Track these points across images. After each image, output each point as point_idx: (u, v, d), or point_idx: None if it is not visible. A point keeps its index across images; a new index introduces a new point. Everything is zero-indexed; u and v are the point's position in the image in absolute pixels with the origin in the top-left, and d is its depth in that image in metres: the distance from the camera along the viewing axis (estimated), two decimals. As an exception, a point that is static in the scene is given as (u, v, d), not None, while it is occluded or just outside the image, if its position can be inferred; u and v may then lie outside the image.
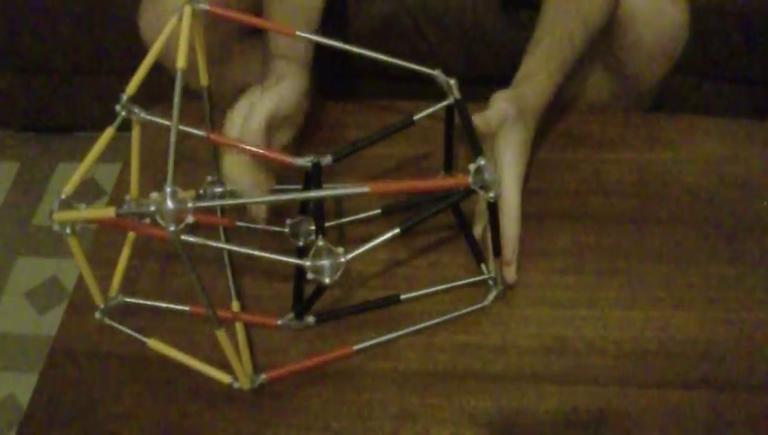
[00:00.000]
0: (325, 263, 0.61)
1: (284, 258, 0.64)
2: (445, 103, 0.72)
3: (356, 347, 0.70)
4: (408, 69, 0.70)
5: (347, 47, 0.70)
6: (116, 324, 0.71)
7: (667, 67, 0.89)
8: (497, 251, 0.70)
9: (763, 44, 1.14)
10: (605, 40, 0.84)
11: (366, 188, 0.60)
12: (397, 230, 0.63)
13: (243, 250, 0.68)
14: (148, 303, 0.73)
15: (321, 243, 0.62)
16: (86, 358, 0.73)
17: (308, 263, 0.61)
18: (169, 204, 0.54)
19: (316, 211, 0.70)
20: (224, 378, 0.67)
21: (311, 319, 0.72)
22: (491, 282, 0.73)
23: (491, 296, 0.73)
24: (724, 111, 1.19)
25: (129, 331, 0.71)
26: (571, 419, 0.67)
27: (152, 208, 0.54)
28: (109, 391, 0.71)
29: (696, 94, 1.26)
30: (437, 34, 1.03)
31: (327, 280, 0.61)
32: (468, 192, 0.64)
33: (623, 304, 0.73)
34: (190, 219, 0.55)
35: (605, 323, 0.72)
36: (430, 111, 0.72)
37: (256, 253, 0.66)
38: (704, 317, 0.72)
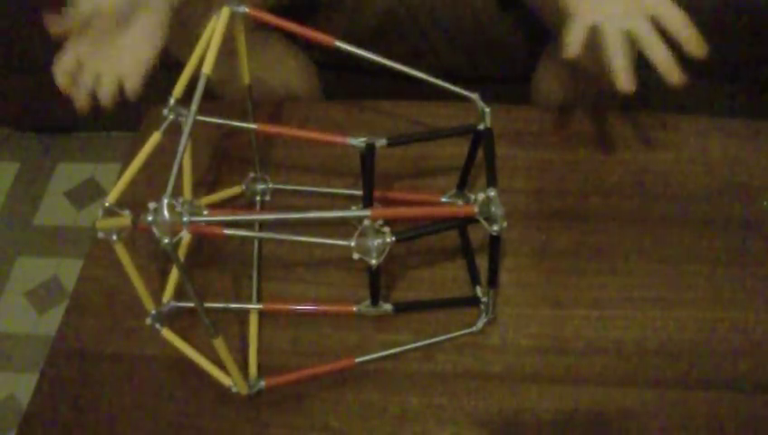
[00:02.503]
0: (372, 243, 0.61)
1: (329, 241, 0.63)
2: (475, 129, 0.70)
3: (358, 359, 0.70)
4: (445, 88, 0.69)
5: (385, 61, 0.68)
6: (165, 331, 0.70)
7: None
8: (493, 282, 0.69)
9: (764, 44, 1.14)
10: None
11: (367, 213, 0.59)
12: (393, 238, 0.62)
13: (286, 237, 0.67)
14: (209, 305, 0.72)
15: (367, 223, 0.61)
16: (86, 358, 0.73)
17: (353, 243, 0.60)
18: (166, 215, 0.53)
19: (366, 191, 0.68)
20: (224, 380, 0.67)
21: (388, 306, 0.71)
22: (482, 307, 0.72)
23: (480, 323, 0.72)
24: (725, 111, 1.18)
25: (176, 338, 0.70)
26: (571, 419, 0.67)
27: (150, 219, 0.54)
28: (109, 391, 0.71)
29: (697, 94, 1.26)
30: (437, 33, 1.03)
31: (374, 261, 0.60)
32: (472, 220, 0.63)
33: (623, 304, 0.73)
34: (184, 233, 0.54)
35: (605, 323, 0.72)
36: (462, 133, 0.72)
37: (299, 238, 0.65)
38: (704, 317, 0.72)
